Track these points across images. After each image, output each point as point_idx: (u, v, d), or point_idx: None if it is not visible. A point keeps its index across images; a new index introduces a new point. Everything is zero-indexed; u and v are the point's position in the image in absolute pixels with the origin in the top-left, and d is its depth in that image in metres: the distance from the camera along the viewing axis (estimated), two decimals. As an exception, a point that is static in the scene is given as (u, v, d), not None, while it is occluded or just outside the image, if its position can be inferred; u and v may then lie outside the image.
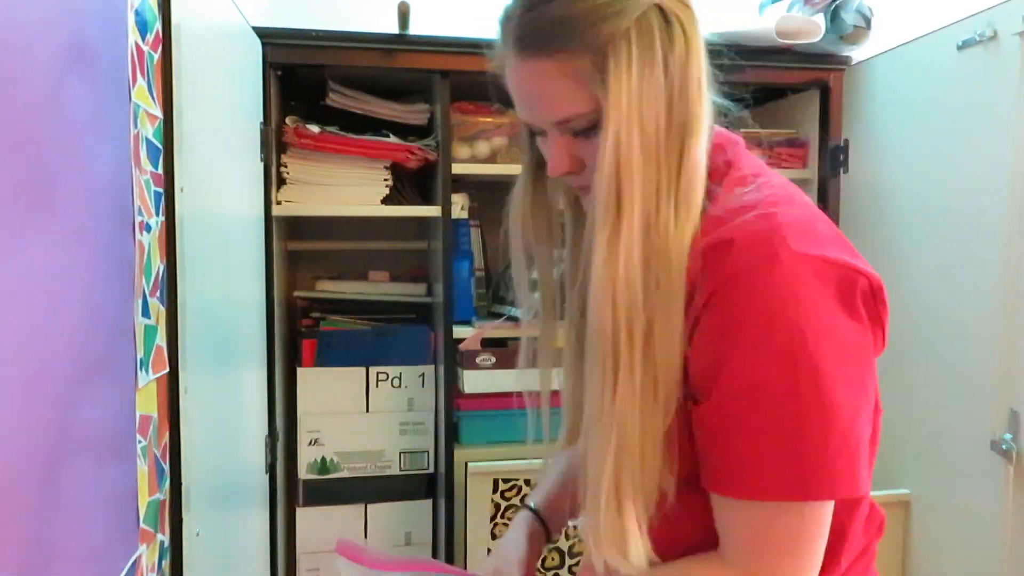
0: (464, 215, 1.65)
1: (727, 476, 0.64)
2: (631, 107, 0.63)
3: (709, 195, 0.67)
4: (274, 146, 1.48)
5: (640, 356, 0.63)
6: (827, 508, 0.64)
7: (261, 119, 1.42)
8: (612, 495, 0.65)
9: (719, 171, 0.69)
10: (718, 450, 0.64)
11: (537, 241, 0.79)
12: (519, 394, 0.85)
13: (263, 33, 1.42)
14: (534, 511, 0.90)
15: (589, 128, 0.66)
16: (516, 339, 1.64)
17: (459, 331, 1.57)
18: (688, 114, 0.65)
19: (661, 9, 0.64)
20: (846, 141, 1.65)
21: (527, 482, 1.58)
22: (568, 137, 0.68)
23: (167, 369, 0.90)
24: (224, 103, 1.17)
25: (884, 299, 0.65)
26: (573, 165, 0.69)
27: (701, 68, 0.67)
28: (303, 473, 1.62)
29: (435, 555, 1.67)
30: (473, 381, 1.58)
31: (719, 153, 0.70)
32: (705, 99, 0.67)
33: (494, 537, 1.57)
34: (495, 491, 1.57)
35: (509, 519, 1.57)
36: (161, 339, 0.90)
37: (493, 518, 1.57)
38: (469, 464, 1.56)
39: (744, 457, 0.62)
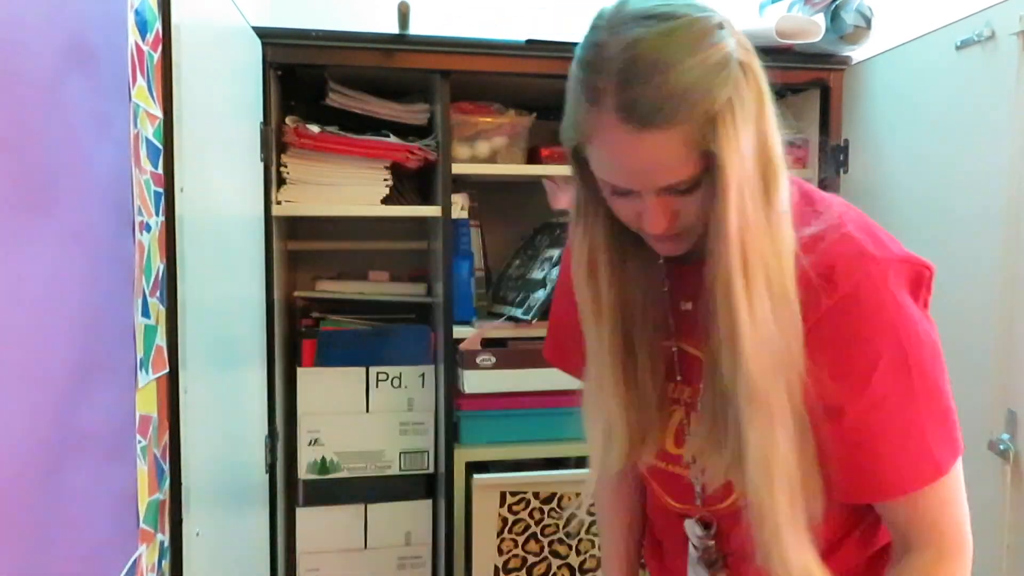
0: (464, 215, 1.64)
1: (886, 482, 0.72)
2: (743, 166, 0.65)
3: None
4: (274, 146, 1.48)
5: (787, 400, 0.68)
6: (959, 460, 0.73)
7: (261, 119, 1.42)
8: (792, 531, 0.69)
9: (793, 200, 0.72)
10: (868, 461, 0.71)
11: (610, 286, 0.77)
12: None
13: (263, 33, 1.42)
14: None
15: (692, 187, 0.67)
16: (516, 339, 1.65)
17: (459, 331, 1.57)
18: (774, 156, 0.68)
19: (740, 63, 0.67)
20: (846, 141, 1.65)
21: (535, 495, 1.53)
22: (667, 197, 0.68)
23: (167, 369, 0.90)
24: (224, 103, 1.17)
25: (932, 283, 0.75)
26: (672, 221, 0.70)
27: (772, 108, 0.69)
28: (303, 473, 1.62)
29: (435, 555, 1.67)
30: (473, 381, 1.58)
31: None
32: (779, 138, 0.70)
33: (500, 553, 1.54)
34: (502, 505, 1.53)
35: (517, 534, 1.54)
36: (161, 339, 0.90)
37: (500, 533, 1.54)
38: (475, 477, 1.51)
39: (894, 460, 0.71)
